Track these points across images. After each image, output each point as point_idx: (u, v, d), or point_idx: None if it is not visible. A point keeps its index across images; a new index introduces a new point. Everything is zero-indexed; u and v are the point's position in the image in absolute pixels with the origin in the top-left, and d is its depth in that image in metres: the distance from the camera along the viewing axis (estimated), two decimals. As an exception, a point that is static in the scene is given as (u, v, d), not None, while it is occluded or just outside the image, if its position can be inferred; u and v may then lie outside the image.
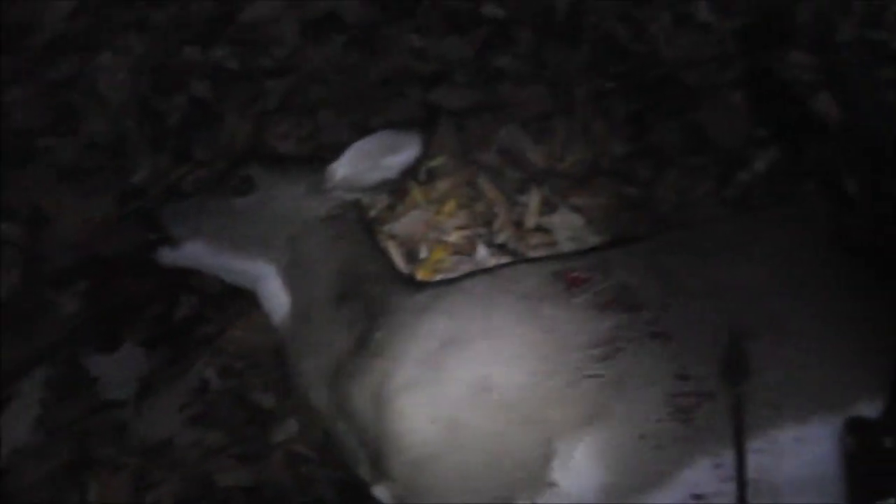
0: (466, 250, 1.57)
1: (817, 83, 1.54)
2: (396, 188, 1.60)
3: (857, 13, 1.76)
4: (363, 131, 1.44)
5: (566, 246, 1.51)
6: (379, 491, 1.18)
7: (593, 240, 1.51)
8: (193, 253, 1.34)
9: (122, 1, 1.94)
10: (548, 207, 1.59)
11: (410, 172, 1.45)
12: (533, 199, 1.58)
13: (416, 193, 1.65)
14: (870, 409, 1.02)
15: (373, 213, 1.62)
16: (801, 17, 1.71)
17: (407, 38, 1.87)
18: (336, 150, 1.36)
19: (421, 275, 1.53)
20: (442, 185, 1.66)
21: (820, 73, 1.45)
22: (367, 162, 1.32)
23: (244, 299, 1.45)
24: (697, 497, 1.04)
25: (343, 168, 1.33)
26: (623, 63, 1.75)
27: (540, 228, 1.56)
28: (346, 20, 1.89)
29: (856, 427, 1.00)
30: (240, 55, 1.88)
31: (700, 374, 1.05)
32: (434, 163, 1.67)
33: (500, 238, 1.57)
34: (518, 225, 1.57)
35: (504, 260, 1.50)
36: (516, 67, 1.80)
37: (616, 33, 1.80)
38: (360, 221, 1.38)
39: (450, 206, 1.63)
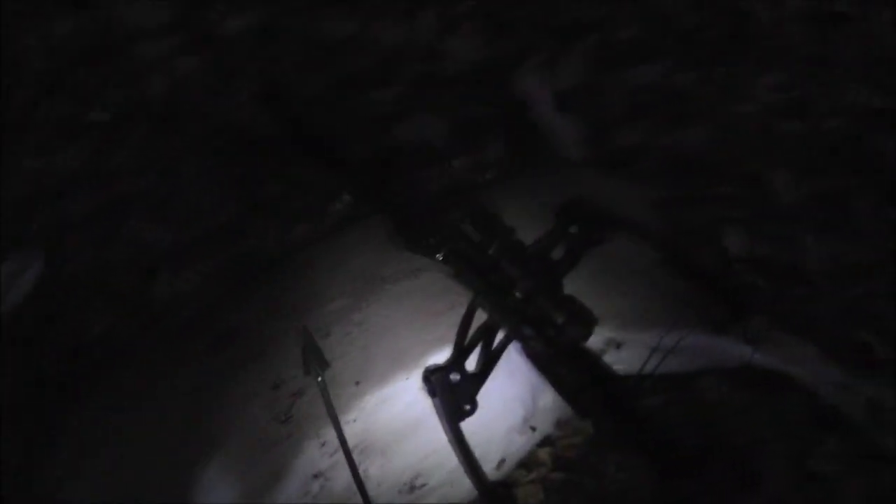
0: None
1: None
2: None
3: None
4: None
5: (190, 311, 1.67)
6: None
7: (217, 294, 1.69)
8: None
9: None
10: (177, 281, 1.74)
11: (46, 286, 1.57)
12: (161, 278, 1.74)
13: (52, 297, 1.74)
14: (441, 357, 1.27)
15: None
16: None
17: (26, 162, 1.95)
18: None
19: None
20: (81, 289, 1.77)
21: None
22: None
23: None
24: (316, 475, 1.24)
25: None
26: (222, 137, 1.94)
27: (171, 300, 1.72)
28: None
29: (430, 372, 1.25)
30: None
31: (291, 377, 1.25)
32: (67, 272, 1.78)
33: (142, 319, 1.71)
34: (152, 303, 1.72)
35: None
36: (131, 161, 1.93)
37: (211, 110, 1.99)
38: None
39: (92, 303, 1.75)
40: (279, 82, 1.95)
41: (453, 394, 1.22)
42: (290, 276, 1.44)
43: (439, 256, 1.25)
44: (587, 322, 1.21)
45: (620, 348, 1.47)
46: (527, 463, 1.50)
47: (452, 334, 1.27)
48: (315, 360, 1.23)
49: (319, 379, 1.21)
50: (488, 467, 1.35)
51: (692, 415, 1.63)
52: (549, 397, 1.38)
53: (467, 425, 1.23)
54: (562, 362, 1.27)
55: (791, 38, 2.17)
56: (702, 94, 2.08)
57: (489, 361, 1.25)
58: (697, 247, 1.81)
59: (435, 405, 1.23)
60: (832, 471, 1.57)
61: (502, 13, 2.15)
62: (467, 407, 1.22)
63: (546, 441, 1.52)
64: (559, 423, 1.51)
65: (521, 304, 1.21)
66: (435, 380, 1.22)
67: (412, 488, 1.30)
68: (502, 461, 1.39)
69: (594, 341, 1.37)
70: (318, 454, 1.24)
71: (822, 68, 2.11)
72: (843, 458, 1.58)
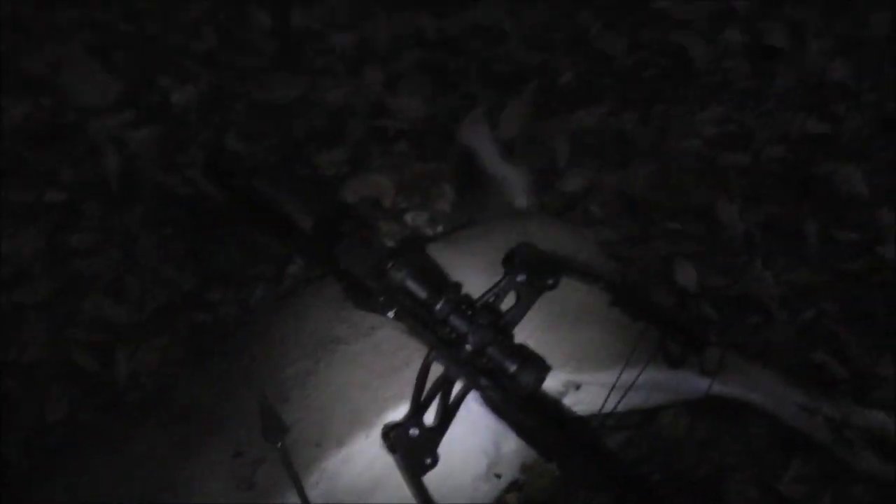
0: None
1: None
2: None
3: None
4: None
5: (150, 386, 1.69)
6: None
7: (176, 367, 1.70)
8: None
9: None
10: (134, 361, 1.75)
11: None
12: (120, 356, 1.75)
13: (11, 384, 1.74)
14: (399, 413, 1.28)
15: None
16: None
17: (-17, 246, 1.95)
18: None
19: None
20: (40, 373, 1.77)
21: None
22: None
23: None
24: (282, 542, 1.25)
25: None
26: (177, 208, 1.96)
27: (132, 376, 1.73)
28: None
29: (389, 429, 1.26)
30: None
31: (251, 445, 1.26)
32: (26, 358, 1.79)
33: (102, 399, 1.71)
34: (113, 381, 1.72)
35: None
36: (88, 240, 1.95)
37: (166, 182, 2.01)
38: None
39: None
40: (225, 151, 1.98)
41: (413, 449, 1.24)
42: (248, 344, 1.45)
43: (391, 314, 1.27)
44: (540, 369, 1.24)
45: (580, 389, 1.49)
46: (497, 509, 1.51)
47: (410, 390, 1.29)
48: (274, 426, 1.24)
49: (280, 445, 1.22)
50: (455, 519, 1.36)
51: (657, 449, 1.66)
52: (512, 443, 1.40)
53: (431, 478, 1.25)
54: (521, 408, 1.29)
55: (727, 73, 2.24)
56: (643, 134, 2.14)
57: (447, 414, 1.27)
58: (649, 284, 1.84)
59: (396, 461, 1.25)
60: (800, 492, 1.61)
61: (444, 66, 2.21)
62: (428, 461, 1.24)
63: (513, 486, 1.54)
64: (525, 468, 1.53)
65: (473, 356, 1.23)
66: (394, 436, 1.23)
67: (381, 546, 1.31)
68: (470, 511, 1.41)
69: (553, 384, 1.41)
70: (283, 519, 1.25)
71: (760, 100, 2.18)
72: (809, 479, 1.62)
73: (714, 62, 2.27)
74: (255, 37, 2.27)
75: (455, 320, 1.21)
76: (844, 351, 1.78)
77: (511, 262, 1.38)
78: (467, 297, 1.29)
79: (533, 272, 1.36)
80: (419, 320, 1.25)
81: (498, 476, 1.42)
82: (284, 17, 2.31)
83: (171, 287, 1.84)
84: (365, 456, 1.29)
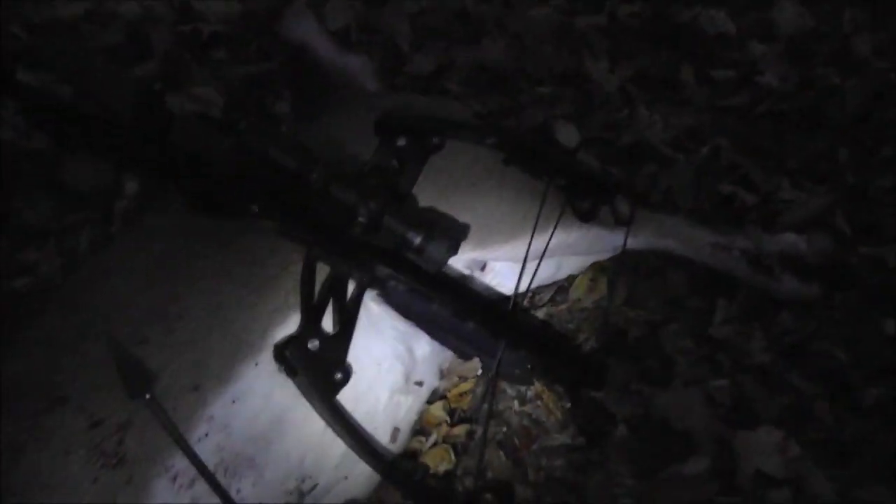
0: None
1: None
2: None
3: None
4: None
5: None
6: None
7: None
8: None
9: None
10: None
11: None
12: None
13: None
14: (286, 329, 1.03)
15: None
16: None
17: None
18: None
19: None
20: None
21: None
22: None
23: None
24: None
25: None
26: None
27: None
28: None
29: (282, 347, 1.00)
30: None
31: (109, 409, 0.97)
32: None
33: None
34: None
35: None
36: None
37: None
38: None
39: None
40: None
41: (318, 365, 0.99)
42: (81, 294, 1.14)
43: (255, 209, 1.01)
44: (453, 233, 1.01)
45: (485, 269, 1.28)
46: (423, 425, 1.29)
47: (295, 299, 1.04)
48: (136, 376, 0.96)
49: (148, 397, 0.94)
50: (381, 442, 1.13)
51: (582, 320, 1.50)
52: (425, 345, 1.17)
53: (344, 399, 1.01)
54: (428, 300, 1.07)
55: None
56: (488, 10, 2.01)
57: (348, 317, 1.03)
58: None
59: (298, 385, 0.99)
60: (731, 333, 1.49)
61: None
62: (339, 376, 1.00)
63: (434, 395, 1.31)
64: (443, 373, 1.30)
65: (367, 234, 0.99)
66: (291, 354, 0.98)
67: (301, 494, 1.06)
68: (396, 431, 1.17)
69: (455, 267, 1.19)
70: (172, 491, 0.96)
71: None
72: (737, 318, 1.50)
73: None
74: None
75: (338, 191, 0.96)
76: (749, 178, 1.70)
77: (384, 126, 1.13)
78: (345, 166, 1.04)
79: (413, 133, 1.12)
80: (291, 209, 0.99)
81: (419, 384, 1.19)
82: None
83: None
84: (258, 390, 1.01)
